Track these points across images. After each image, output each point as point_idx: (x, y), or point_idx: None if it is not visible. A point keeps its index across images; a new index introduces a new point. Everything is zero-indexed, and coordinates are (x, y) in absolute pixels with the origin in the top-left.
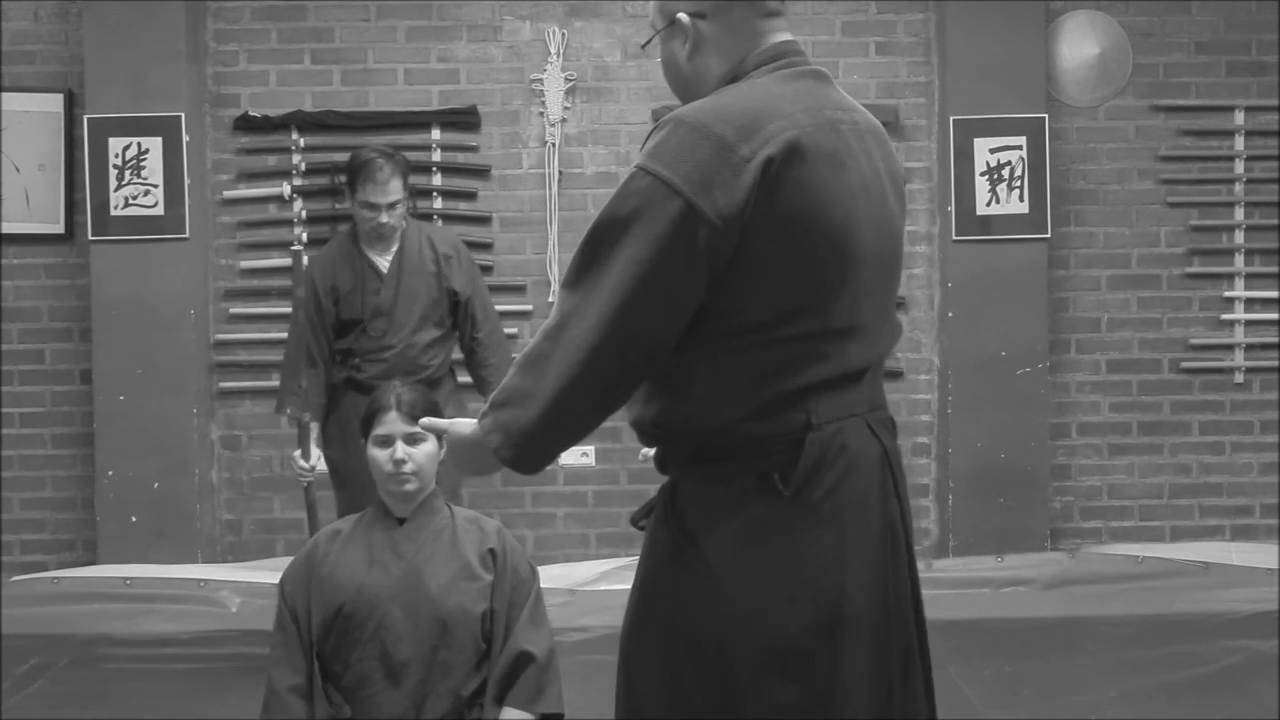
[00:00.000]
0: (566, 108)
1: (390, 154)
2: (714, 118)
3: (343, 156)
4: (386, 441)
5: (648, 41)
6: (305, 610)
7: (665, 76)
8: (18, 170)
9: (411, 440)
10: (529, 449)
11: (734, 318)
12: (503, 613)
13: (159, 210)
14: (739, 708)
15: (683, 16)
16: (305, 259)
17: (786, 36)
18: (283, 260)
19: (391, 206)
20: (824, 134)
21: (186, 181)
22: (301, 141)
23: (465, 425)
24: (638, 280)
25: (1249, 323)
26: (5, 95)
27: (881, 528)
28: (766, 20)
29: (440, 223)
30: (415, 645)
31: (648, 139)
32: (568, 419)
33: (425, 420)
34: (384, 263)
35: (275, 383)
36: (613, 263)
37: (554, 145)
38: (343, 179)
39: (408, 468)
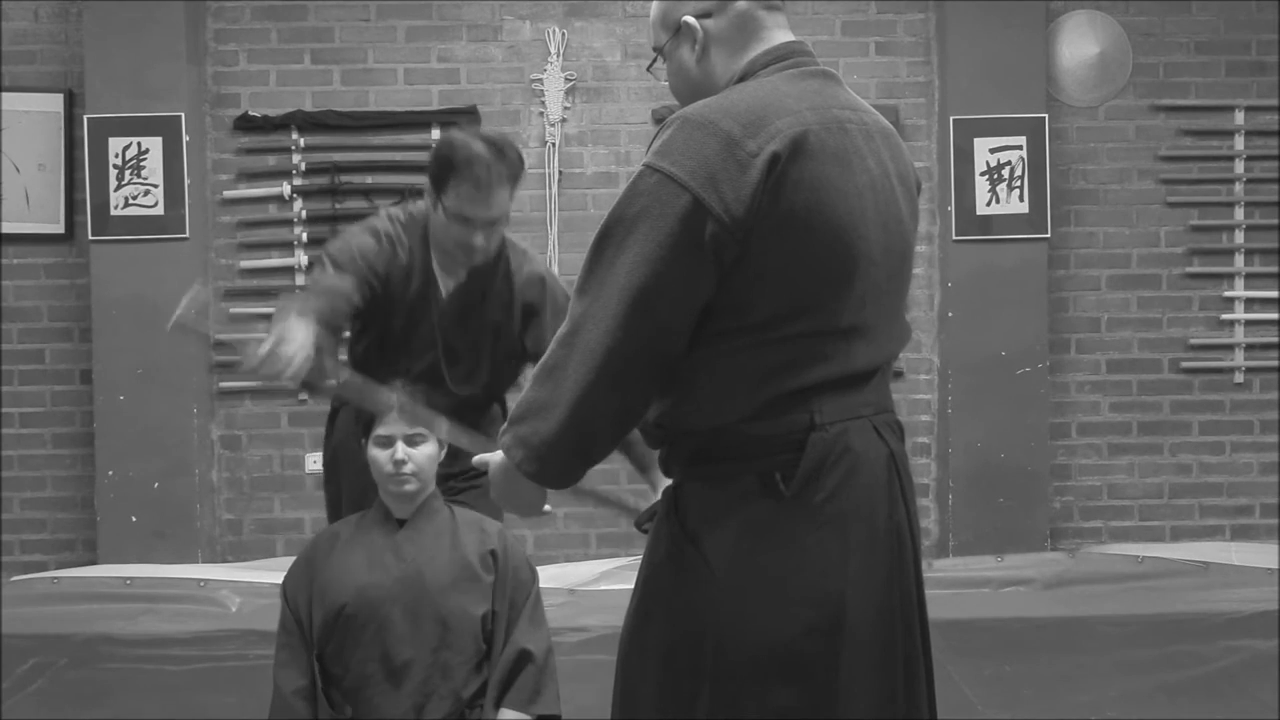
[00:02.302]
0: (566, 108)
1: (501, 147)
2: (720, 114)
3: (343, 156)
4: (387, 442)
5: (652, 64)
6: (307, 612)
7: (674, 88)
8: (18, 170)
9: (412, 441)
10: (553, 461)
11: (737, 316)
12: (503, 614)
13: (159, 210)
14: (737, 710)
15: (689, 19)
16: None
17: (790, 35)
18: (283, 260)
19: (492, 224)
20: (831, 133)
21: (186, 181)
22: (301, 141)
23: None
24: (648, 278)
25: (1249, 323)
26: (5, 95)
27: (887, 531)
28: (769, 14)
29: None
30: (416, 647)
31: (654, 139)
32: (590, 426)
33: (478, 458)
34: (447, 284)
35: (275, 382)
36: (621, 263)
37: (554, 145)
38: (343, 179)
39: (408, 468)
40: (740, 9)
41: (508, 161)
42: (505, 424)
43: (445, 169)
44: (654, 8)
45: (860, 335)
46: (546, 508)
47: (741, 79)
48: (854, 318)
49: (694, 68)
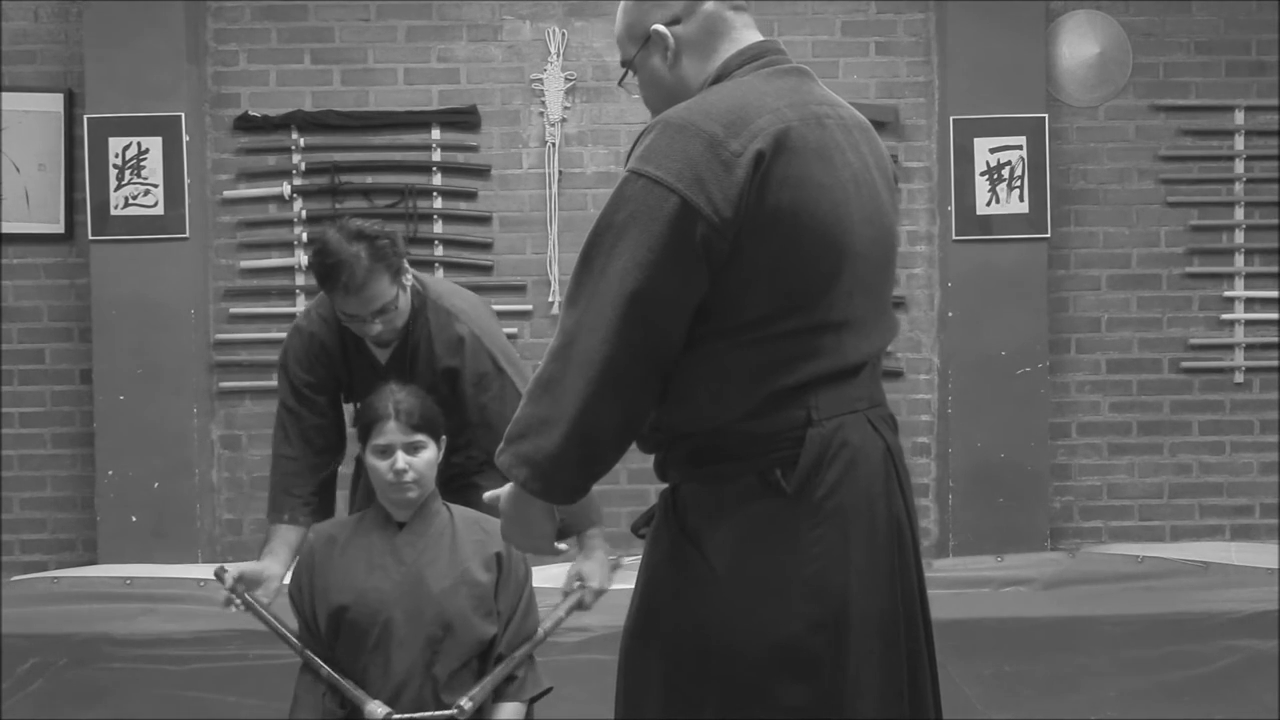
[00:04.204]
0: (566, 108)
1: (370, 236)
2: (701, 116)
3: (343, 156)
4: (386, 451)
5: (623, 78)
6: (312, 615)
7: (646, 98)
8: (18, 170)
9: (411, 449)
10: (559, 476)
11: (729, 315)
12: (505, 613)
13: (159, 210)
14: (748, 710)
15: (659, 27)
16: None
17: (758, 35)
18: (283, 260)
19: (381, 312)
20: (811, 128)
21: (186, 181)
22: (301, 141)
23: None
24: (641, 282)
25: (1249, 323)
26: (5, 95)
27: (886, 525)
28: (736, 14)
29: (441, 224)
30: (418, 650)
31: (635, 145)
32: (595, 438)
33: (489, 495)
34: (381, 354)
35: (275, 382)
36: (613, 270)
37: (554, 145)
38: (343, 179)
39: (409, 476)
40: (708, 12)
41: (375, 251)
42: (501, 444)
43: (318, 278)
44: (619, 22)
45: (850, 329)
46: (561, 546)
47: (716, 81)
48: (844, 311)
49: (667, 75)
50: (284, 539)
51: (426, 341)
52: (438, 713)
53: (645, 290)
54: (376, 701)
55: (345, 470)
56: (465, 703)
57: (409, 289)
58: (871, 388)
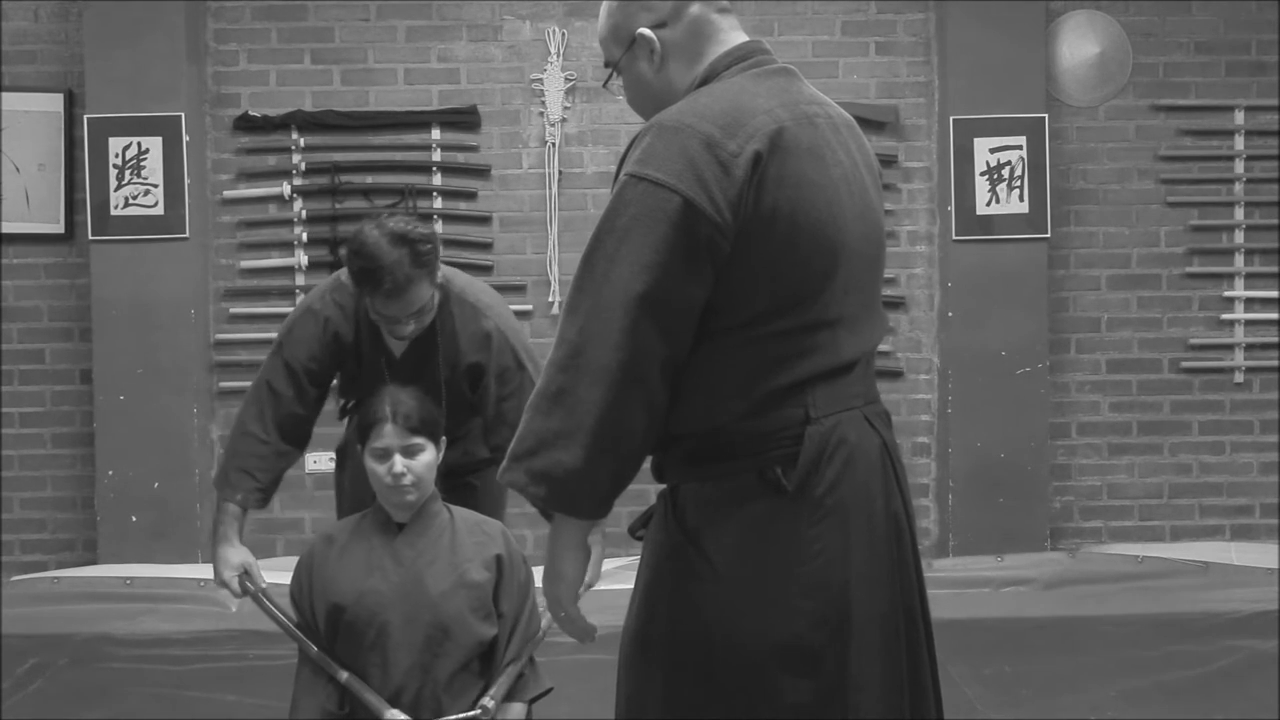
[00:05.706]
0: (566, 108)
1: (413, 240)
2: (696, 118)
3: (343, 156)
4: (384, 455)
5: (608, 79)
6: (312, 615)
7: (632, 100)
8: (18, 170)
9: (409, 452)
10: (585, 488)
11: (726, 315)
12: (509, 617)
13: (159, 210)
14: (747, 708)
15: (644, 31)
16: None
17: (744, 36)
18: (283, 260)
19: (417, 314)
20: (803, 128)
21: (186, 181)
22: (301, 141)
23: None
24: (649, 285)
25: (1249, 323)
26: (5, 95)
27: (885, 521)
28: (722, 16)
29: (441, 224)
30: (417, 651)
31: (629, 150)
32: (624, 446)
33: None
34: (398, 346)
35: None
36: (618, 275)
37: (554, 145)
38: (343, 179)
39: (407, 480)
40: (694, 15)
41: (417, 257)
42: (506, 462)
43: (358, 278)
44: (602, 24)
45: (845, 326)
46: (593, 627)
47: (703, 82)
48: (839, 309)
49: (653, 79)
50: (235, 520)
51: (450, 336)
52: (463, 714)
53: (654, 292)
54: (395, 710)
55: None
56: (489, 701)
57: (436, 295)
58: (866, 384)
